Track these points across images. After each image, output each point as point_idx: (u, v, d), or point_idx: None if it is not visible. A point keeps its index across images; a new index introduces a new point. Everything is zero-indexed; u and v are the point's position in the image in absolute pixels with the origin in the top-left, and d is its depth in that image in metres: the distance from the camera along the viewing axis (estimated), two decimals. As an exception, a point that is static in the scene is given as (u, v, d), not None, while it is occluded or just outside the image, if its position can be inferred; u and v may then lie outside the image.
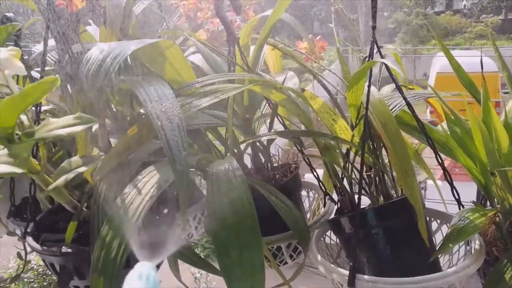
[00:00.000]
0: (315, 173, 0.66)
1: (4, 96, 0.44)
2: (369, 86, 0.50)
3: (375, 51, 0.54)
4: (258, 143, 0.65)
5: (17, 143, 0.40)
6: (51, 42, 0.63)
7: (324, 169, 0.72)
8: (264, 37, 0.61)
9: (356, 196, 0.55)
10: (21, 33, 0.72)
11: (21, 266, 0.83)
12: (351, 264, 0.49)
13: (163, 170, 0.44)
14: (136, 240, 0.37)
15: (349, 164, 0.59)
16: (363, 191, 0.61)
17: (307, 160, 0.66)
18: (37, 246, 0.50)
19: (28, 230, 0.55)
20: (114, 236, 0.38)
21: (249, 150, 0.67)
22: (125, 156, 0.48)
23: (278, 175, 0.66)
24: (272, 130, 0.67)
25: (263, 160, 0.67)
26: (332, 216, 0.64)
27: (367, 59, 0.53)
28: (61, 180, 0.43)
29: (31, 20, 0.76)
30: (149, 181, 0.43)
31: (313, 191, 0.75)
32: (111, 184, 0.46)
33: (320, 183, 0.67)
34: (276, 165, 0.69)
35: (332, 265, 0.52)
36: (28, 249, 0.81)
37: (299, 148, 0.65)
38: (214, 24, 0.83)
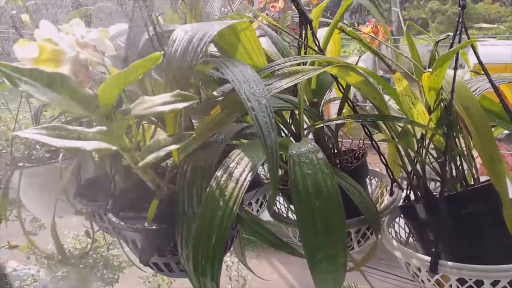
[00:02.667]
0: (383, 159, 0.65)
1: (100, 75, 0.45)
2: (455, 68, 0.49)
3: (455, 38, 0.52)
4: (326, 128, 0.65)
5: (115, 120, 0.41)
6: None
7: (388, 155, 0.71)
8: (337, 19, 0.60)
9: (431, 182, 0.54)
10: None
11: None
12: (433, 250, 0.48)
13: (252, 154, 0.44)
14: (232, 223, 0.38)
15: (423, 149, 0.58)
16: (437, 177, 0.60)
17: (375, 146, 0.65)
18: (120, 222, 0.52)
19: (108, 207, 0.56)
20: (213, 218, 0.39)
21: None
22: (208, 137, 0.48)
23: (345, 161, 0.66)
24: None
25: (329, 145, 0.67)
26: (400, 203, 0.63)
27: (452, 41, 0.51)
28: (152, 157, 0.44)
29: (98, 4, 0.77)
30: (240, 164, 0.43)
31: (376, 178, 0.74)
32: (196, 164, 0.47)
33: (388, 170, 0.66)
34: (343, 150, 0.68)
35: (411, 251, 0.51)
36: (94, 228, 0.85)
37: (368, 133, 0.64)
38: (275, 8, 0.83)
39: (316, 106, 0.64)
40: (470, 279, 0.47)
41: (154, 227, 0.50)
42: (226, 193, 0.40)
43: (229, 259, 3.34)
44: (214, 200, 0.40)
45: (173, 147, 0.43)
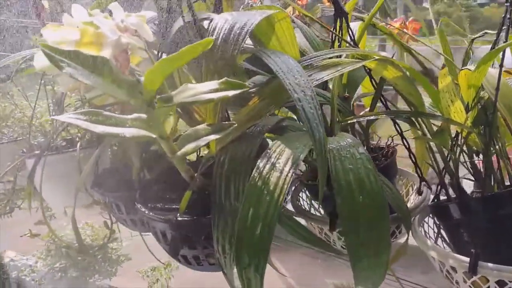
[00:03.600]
0: (413, 157, 0.64)
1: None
2: (501, 66, 0.48)
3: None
4: (357, 124, 0.63)
5: (157, 107, 0.40)
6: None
7: (416, 153, 0.70)
8: (373, 13, 0.59)
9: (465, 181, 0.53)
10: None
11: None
12: (473, 250, 0.47)
13: (293, 145, 0.43)
14: (278, 213, 0.37)
15: (458, 147, 0.57)
16: (471, 177, 0.58)
17: (406, 143, 0.64)
18: (150, 213, 0.51)
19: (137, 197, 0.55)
20: (257, 208, 0.38)
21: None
22: (246, 128, 0.47)
23: (374, 159, 0.65)
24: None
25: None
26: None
27: (496, 38, 0.50)
28: (191, 146, 0.42)
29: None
30: (282, 154, 0.42)
31: (402, 177, 0.73)
32: (233, 155, 0.46)
33: (418, 168, 0.65)
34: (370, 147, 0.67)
35: (447, 251, 0.50)
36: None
37: (399, 131, 0.63)
38: (302, 1, 0.82)
39: (347, 101, 0.63)
40: (510, 281, 0.46)
41: (186, 218, 0.49)
42: (270, 183, 0.39)
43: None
44: (258, 190, 0.39)
45: (213, 136, 0.42)
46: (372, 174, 0.44)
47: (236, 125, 0.42)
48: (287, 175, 0.39)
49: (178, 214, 0.49)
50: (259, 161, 0.42)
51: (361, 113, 0.63)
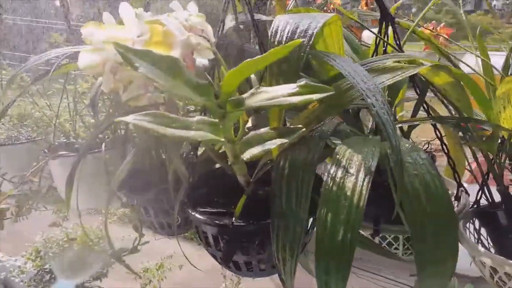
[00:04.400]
0: (451, 163, 0.64)
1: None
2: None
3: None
4: (399, 129, 0.63)
5: (228, 111, 0.39)
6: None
7: (455, 159, 0.70)
8: (421, 17, 0.59)
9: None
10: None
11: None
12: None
13: (361, 150, 0.42)
14: (360, 218, 0.36)
15: (503, 154, 0.57)
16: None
17: (445, 149, 0.64)
18: (204, 218, 0.50)
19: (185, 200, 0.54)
20: (337, 215, 0.37)
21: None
22: (306, 132, 0.46)
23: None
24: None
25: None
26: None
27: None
28: (257, 150, 0.41)
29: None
30: (352, 160, 0.41)
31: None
32: (295, 160, 0.45)
33: (456, 174, 0.65)
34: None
35: (502, 257, 0.50)
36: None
37: (439, 135, 0.63)
38: (335, 4, 0.81)
39: (389, 105, 0.63)
40: None
41: (242, 223, 0.48)
42: (347, 189, 0.38)
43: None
44: (334, 195, 0.38)
45: (279, 141, 0.41)
46: (437, 179, 0.44)
47: (304, 129, 0.41)
48: (364, 181, 0.38)
49: (234, 219, 0.48)
50: (329, 166, 0.41)
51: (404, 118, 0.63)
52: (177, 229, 0.81)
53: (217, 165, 0.64)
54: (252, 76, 0.62)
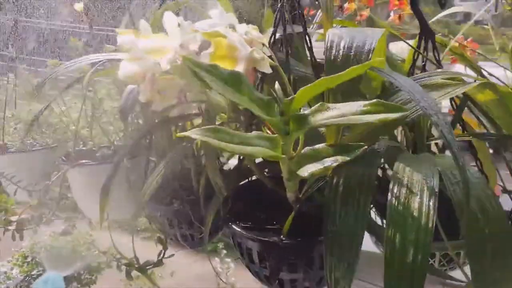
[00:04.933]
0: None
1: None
2: None
3: None
4: (435, 145, 0.63)
5: (291, 129, 0.38)
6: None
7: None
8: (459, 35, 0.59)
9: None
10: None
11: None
12: None
13: (419, 169, 0.42)
14: (430, 239, 0.35)
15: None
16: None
17: (479, 165, 0.64)
18: (251, 234, 0.48)
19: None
20: (405, 239, 0.36)
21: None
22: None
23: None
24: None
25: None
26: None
27: None
28: (313, 168, 0.41)
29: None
30: (413, 178, 0.40)
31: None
32: (350, 177, 0.44)
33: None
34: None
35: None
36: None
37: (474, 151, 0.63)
38: (362, 17, 0.81)
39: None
40: None
41: (292, 240, 0.47)
42: (412, 208, 0.38)
43: (219, 265, 3.29)
44: (400, 215, 0.38)
45: (340, 158, 0.40)
46: (493, 200, 0.43)
47: (366, 146, 0.40)
48: (429, 201, 0.38)
49: (282, 236, 0.47)
50: (391, 185, 0.40)
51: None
52: (199, 242, 0.80)
53: (251, 178, 0.64)
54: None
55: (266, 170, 0.59)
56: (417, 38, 0.60)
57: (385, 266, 0.37)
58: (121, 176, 0.80)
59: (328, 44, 0.45)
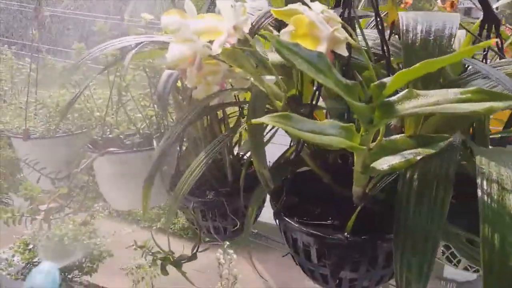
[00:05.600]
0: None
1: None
2: None
3: None
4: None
5: (376, 117, 0.35)
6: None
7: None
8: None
9: None
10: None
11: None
12: None
13: (504, 163, 0.38)
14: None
15: None
16: None
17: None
18: (312, 230, 0.45)
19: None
20: (504, 240, 0.33)
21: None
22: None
23: None
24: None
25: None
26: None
27: None
28: (396, 160, 0.37)
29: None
30: (502, 174, 0.37)
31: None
32: (426, 172, 0.41)
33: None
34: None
35: None
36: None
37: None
38: (406, 4, 0.77)
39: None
40: None
41: (357, 238, 0.44)
42: (508, 206, 0.35)
43: (222, 256, 3.27)
44: (497, 215, 0.34)
45: (424, 151, 0.37)
46: None
47: (451, 138, 0.37)
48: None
49: (346, 234, 0.44)
50: (478, 180, 0.37)
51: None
52: (231, 234, 0.77)
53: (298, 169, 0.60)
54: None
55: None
56: (479, 24, 0.56)
57: (483, 268, 0.33)
58: (148, 164, 0.77)
59: (404, 28, 0.42)
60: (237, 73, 0.63)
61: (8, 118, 0.88)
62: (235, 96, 0.72)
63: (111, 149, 0.73)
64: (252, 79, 0.60)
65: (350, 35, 0.46)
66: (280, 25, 0.62)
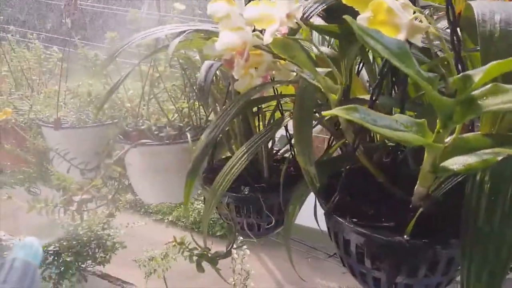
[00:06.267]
0: None
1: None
2: None
3: None
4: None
5: (457, 113, 0.32)
6: None
7: None
8: None
9: None
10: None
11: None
12: None
13: None
14: None
15: None
16: None
17: None
18: (369, 232, 0.43)
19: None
20: None
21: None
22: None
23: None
24: None
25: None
26: None
27: None
28: (473, 159, 0.35)
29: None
30: None
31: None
32: (499, 171, 0.38)
33: None
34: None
35: None
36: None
37: None
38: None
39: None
40: None
41: (420, 241, 0.41)
42: None
43: (235, 251, 3.26)
44: None
45: (506, 150, 0.34)
46: None
47: None
48: None
49: (406, 236, 0.41)
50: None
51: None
52: (265, 231, 0.74)
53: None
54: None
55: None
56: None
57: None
58: (181, 158, 0.75)
59: (480, 18, 0.39)
60: (282, 65, 0.61)
61: (39, 107, 0.87)
62: (274, 89, 0.69)
63: (144, 140, 0.71)
64: (297, 71, 0.58)
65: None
66: (327, 14, 0.59)
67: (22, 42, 1.13)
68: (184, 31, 0.54)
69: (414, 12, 0.35)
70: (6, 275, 0.44)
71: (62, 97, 0.88)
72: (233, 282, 3.30)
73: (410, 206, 0.44)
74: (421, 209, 0.41)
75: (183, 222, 5.09)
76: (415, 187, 0.42)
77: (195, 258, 0.62)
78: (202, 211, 5.38)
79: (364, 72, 0.69)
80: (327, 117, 0.62)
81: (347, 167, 0.49)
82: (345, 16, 0.29)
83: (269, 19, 0.47)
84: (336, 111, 0.32)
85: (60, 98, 0.89)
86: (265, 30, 0.47)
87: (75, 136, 0.82)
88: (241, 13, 0.50)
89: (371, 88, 0.63)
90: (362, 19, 0.32)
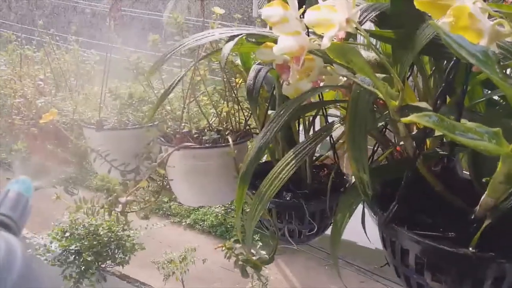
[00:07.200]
0: None
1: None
2: None
3: None
4: None
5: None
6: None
7: None
8: None
9: None
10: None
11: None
12: None
13: None
14: None
15: None
16: None
17: None
18: (433, 243, 0.42)
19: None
20: None
21: None
22: None
23: None
24: None
25: None
26: None
27: None
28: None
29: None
30: None
31: None
32: None
33: None
34: None
35: None
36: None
37: None
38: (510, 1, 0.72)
39: None
40: None
41: (484, 254, 0.40)
42: None
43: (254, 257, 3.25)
44: None
45: None
46: None
47: None
48: None
49: (471, 248, 0.40)
50: None
51: None
52: (306, 238, 0.74)
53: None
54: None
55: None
56: None
57: None
58: (221, 162, 0.75)
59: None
60: (332, 70, 0.60)
61: (81, 108, 0.88)
62: (318, 95, 0.69)
63: (188, 143, 0.71)
64: (348, 76, 0.57)
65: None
66: (380, 20, 0.58)
67: (62, 45, 1.15)
68: (237, 35, 0.54)
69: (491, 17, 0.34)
70: (0, 201, 0.50)
71: (103, 98, 0.89)
72: (251, 288, 3.28)
73: (473, 217, 0.43)
74: (488, 221, 0.40)
75: (200, 225, 5.11)
76: (482, 198, 0.40)
77: (239, 263, 0.62)
78: (219, 215, 5.36)
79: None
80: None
81: (409, 175, 0.47)
82: (430, 22, 0.28)
83: (329, 23, 0.46)
84: (412, 117, 0.32)
85: (102, 99, 0.91)
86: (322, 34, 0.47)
87: (116, 138, 0.83)
88: (297, 17, 0.50)
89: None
90: (444, 24, 0.32)
